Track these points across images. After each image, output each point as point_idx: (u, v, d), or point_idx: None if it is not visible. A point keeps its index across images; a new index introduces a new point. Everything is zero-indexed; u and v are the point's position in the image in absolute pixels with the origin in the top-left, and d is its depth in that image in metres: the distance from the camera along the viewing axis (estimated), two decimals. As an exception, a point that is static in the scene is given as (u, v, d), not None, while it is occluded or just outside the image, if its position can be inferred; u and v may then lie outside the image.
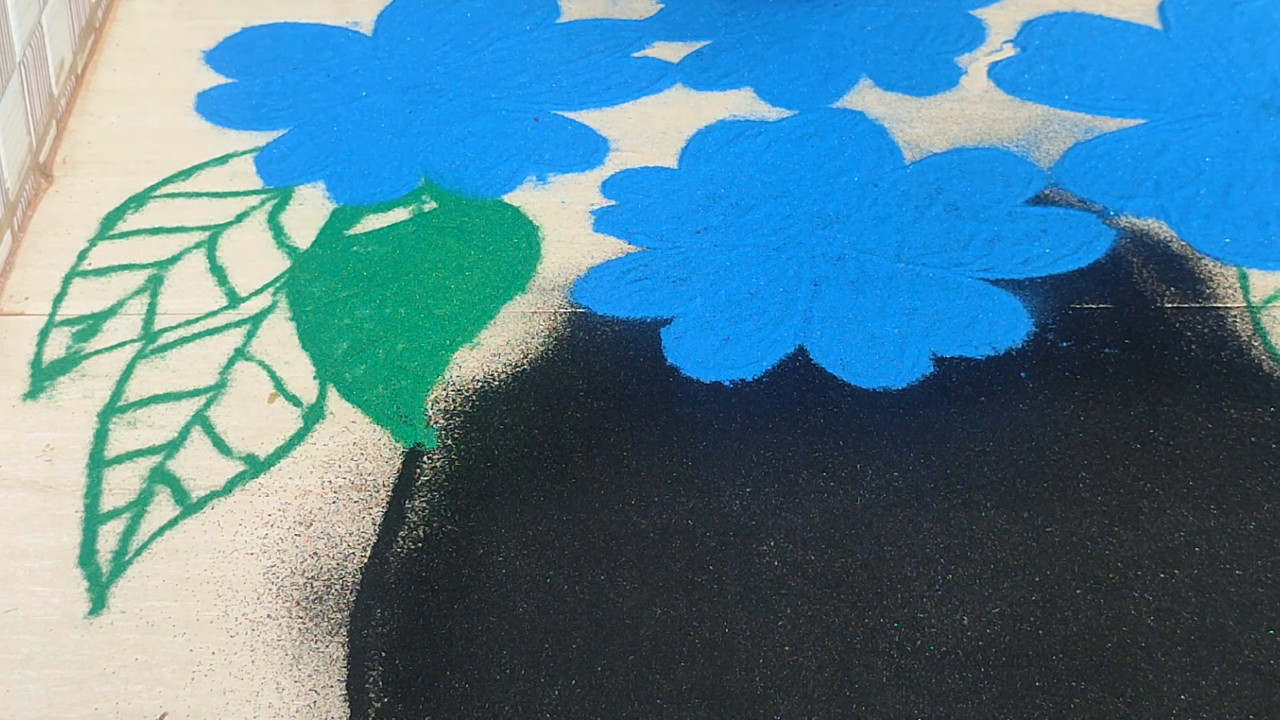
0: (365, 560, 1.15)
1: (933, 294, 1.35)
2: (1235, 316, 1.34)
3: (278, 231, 1.41)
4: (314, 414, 1.25)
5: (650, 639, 1.11)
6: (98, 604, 1.13)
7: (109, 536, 1.17)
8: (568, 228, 1.42)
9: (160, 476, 1.21)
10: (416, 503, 1.19)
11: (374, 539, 1.17)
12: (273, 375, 1.28)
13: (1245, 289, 1.37)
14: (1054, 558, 1.16)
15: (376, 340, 1.31)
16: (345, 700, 1.07)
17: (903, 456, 1.22)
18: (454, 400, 1.27)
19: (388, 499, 1.19)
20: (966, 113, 1.55)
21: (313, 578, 1.14)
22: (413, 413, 1.26)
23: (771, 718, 1.06)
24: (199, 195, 1.45)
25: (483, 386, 1.28)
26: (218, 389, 1.27)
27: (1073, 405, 1.26)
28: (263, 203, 1.44)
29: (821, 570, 1.15)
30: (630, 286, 1.36)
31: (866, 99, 1.56)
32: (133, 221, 1.42)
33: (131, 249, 1.39)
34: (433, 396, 1.27)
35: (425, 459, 1.22)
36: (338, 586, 1.14)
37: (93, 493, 1.20)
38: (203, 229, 1.41)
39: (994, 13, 1.68)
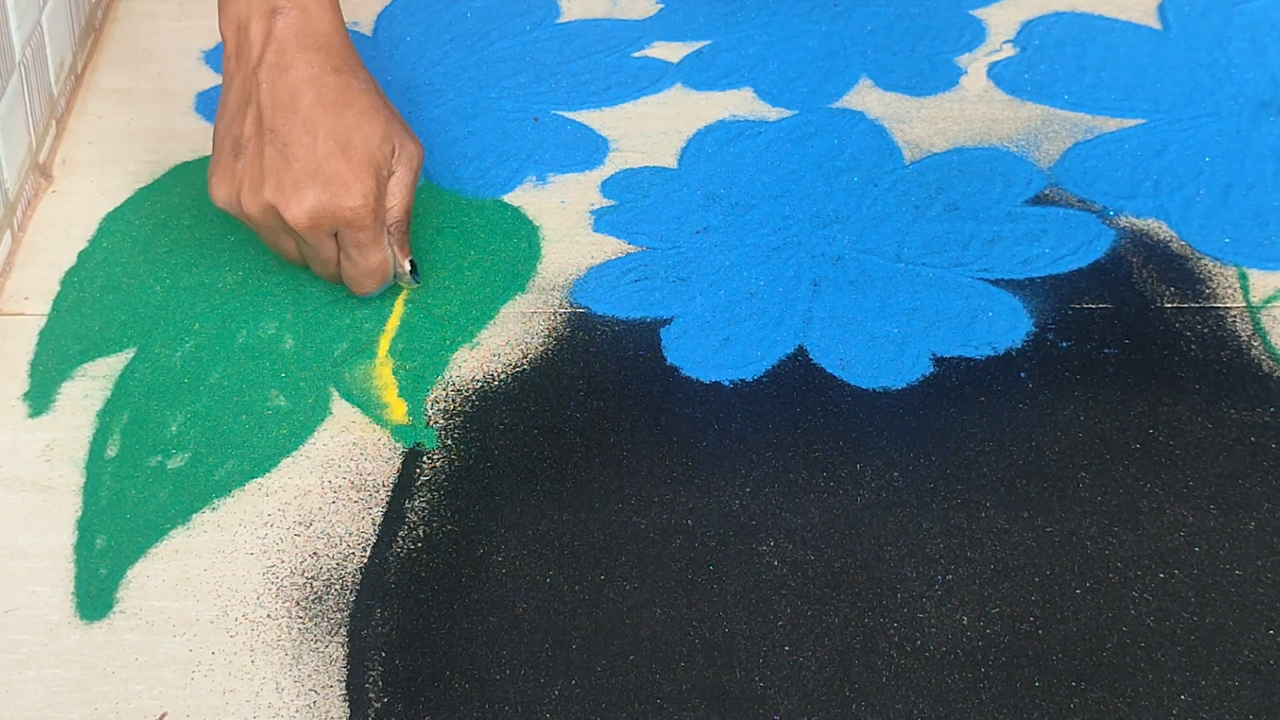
0: (365, 560, 1.15)
1: (933, 294, 1.35)
2: (1235, 316, 1.34)
3: (278, 231, 1.41)
4: (314, 414, 1.25)
5: (650, 639, 1.11)
6: (98, 604, 1.13)
7: (109, 536, 1.17)
8: (568, 228, 1.42)
9: (160, 476, 1.21)
10: (416, 503, 1.19)
11: (374, 539, 1.17)
12: (272, 375, 1.28)
13: (1245, 289, 1.37)
14: (1054, 558, 1.15)
15: (376, 340, 1.31)
16: (345, 700, 1.07)
17: (903, 456, 1.22)
18: (454, 400, 1.27)
19: (388, 499, 1.19)
20: (966, 113, 1.55)
21: (313, 578, 1.14)
22: (413, 413, 1.26)
23: (771, 718, 1.06)
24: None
25: (483, 386, 1.28)
26: (217, 389, 1.27)
27: (1073, 405, 1.26)
28: (263, 203, 1.44)
29: (821, 570, 1.15)
30: (630, 286, 1.36)
31: (866, 99, 1.56)
32: (132, 222, 1.42)
33: (130, 249, 1.39)
34: (433, 396, 1.27)
35: (425, 459, 1.22)
36: (338, 586, 1.14)
37: (92, 492, 1.20)
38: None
39: (994, 13, 1.68)
